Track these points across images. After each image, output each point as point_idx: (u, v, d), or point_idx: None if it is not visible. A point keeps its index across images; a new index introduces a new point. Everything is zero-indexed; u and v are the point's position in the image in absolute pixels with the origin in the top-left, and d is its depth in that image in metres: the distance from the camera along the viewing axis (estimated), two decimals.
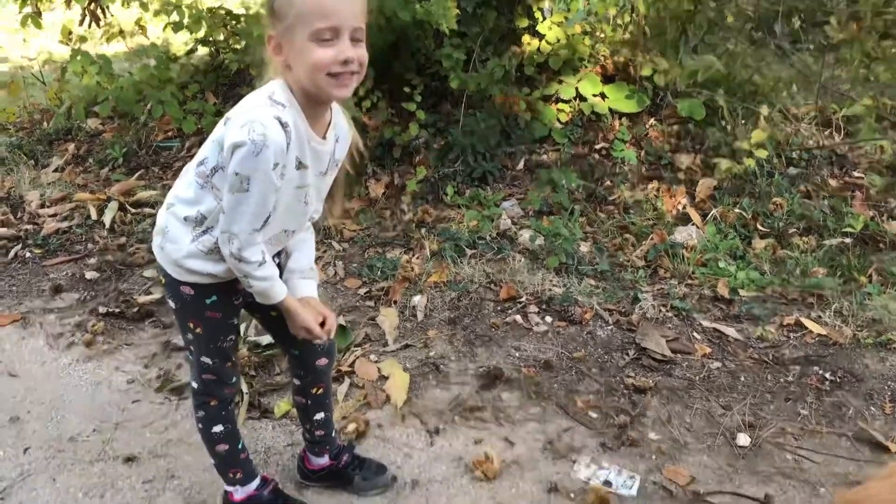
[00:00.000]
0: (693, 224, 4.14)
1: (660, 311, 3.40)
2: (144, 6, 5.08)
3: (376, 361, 3.14)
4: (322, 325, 2.10)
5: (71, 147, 5.28)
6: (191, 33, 4.98)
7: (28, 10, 5.04)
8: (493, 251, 3.79)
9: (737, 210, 4.17)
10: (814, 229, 4.03)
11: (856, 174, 4.56)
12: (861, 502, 1.45)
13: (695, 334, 3.28)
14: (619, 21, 5.17)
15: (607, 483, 2.56)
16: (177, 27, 4.85)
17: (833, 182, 4.46)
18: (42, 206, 4.51)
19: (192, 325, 2.10)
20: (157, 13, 5.05)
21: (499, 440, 2.76)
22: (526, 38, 4.91)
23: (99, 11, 5.28)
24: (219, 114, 4.50)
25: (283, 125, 1.78)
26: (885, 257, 3.82)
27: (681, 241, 3.95)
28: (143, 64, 5.45)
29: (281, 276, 2.07)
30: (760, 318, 3.35)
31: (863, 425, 2.76)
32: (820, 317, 3.35)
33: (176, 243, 1.99)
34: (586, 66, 4.96)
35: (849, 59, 5.66)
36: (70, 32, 5.56)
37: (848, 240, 3.90)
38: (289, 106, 1.83)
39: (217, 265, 1.97)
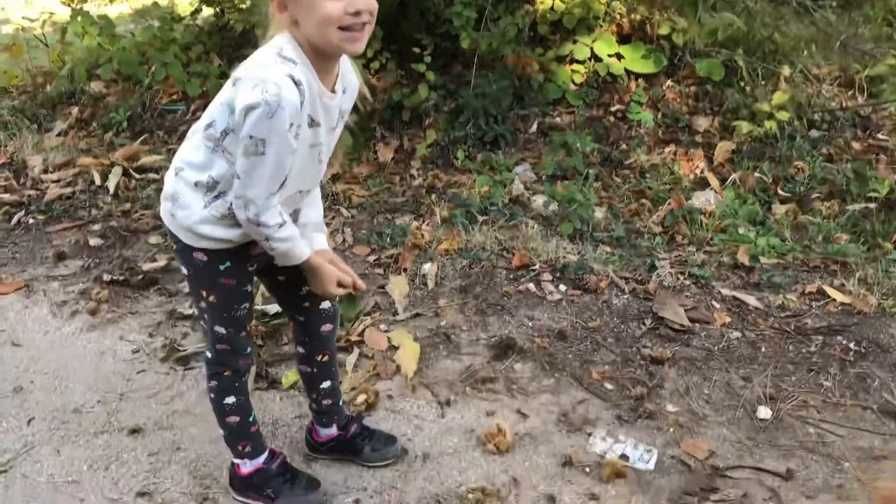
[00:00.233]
0: (711, 189, 4.02)
1: (677, 278, 3.31)
2: None
3: (386, 331, 3.07)
4: (341, 285, 2.06)
5: (74, 111, 5.18)
6: None
7: None
8: (505, 217, 3.69)
9: (756, 174, 4.04)
10: (836, 194, 3.90)
11: (880, 136, 4.41)
12: None
13: (714, 303, 3.18)
14: None
15: (624, 457, 2.48)
16: None
17: (856, 145, 4.32)
18: (45, 171, 4.43)
19: (205, 294, 2.03)
20: None
21: (511, 412, 2.68)
22: None
23: None
24: (223, 76, 4.39)
25: (297, 83, 1.70)
26: None
27: (699, 206, 3.84)
28: (147, 25, 5.31)
29: None
30: (781, 286, 3.25)
31: (888, 398, 2.67)
32: (843, 285, 3.24)
33: (187, 209, 1.92)
34: (601, 25, 4.80)
35: (872, 17, 5.46)
36: None
37: (872, 205, 3.77)
38: (300, 62, 1.75)
39: (231, 230, 1.91)
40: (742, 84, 4.61)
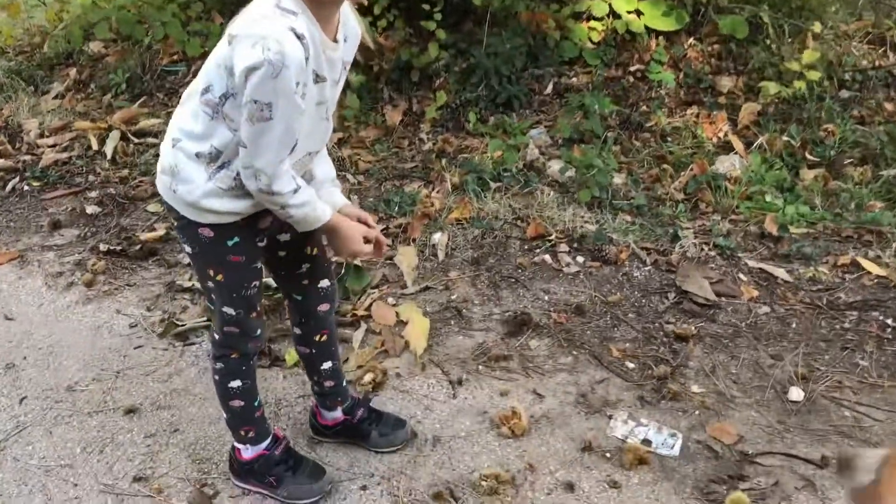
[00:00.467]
0: (735, 153, 3.82)
1: (702, 249, 3.13)
2: None
3: (394, 305, 2.92)
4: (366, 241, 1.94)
5: (72, 72, 4.99)
6: None
7: None
8: (519, 184, 3.51)
9: (784, 138, 3.84)
10: (869, 158, 3.70)
11: None
12: None
13: (740, 275, 3.01)
14: None
15: (646, 441, 2.34)
16: None
17: (889, 106, 4.09)
18: (41, 135, 4.27)
19: (212, 273, 1.89)
20: None
21: (526, 392, 2.54)
22: None
23: None
24: None
25: (299, 37, 1.55)
26: None
27: (723, 171, 3.65)
28: None
29: None
30: (812, 257, 3.07)
31: None
32: (879, 256, 3.06)
33: (190, 183, 1.77)
34: None
35: None
36: None
37: None
38: (300, 13, 1.59)
39: (240, 201, 1.77)
40: (768, 42, 4.37)
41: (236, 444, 2.21)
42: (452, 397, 2.54)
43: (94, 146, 4.09)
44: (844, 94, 4.17)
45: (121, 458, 2.37)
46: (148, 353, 2.79)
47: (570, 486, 2.22)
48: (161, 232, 3.44)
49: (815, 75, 3.94)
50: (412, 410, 2.49)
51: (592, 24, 4.49)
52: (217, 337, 2.05)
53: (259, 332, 2.03)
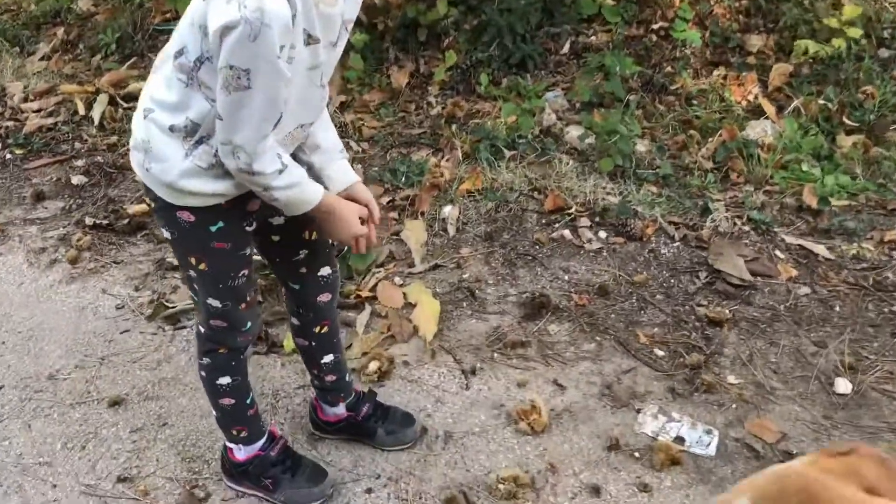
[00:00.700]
0: (767, 118, 3.55)
1: (734, 223, 2.89)
2: None
3: (401, 285, 2.69)
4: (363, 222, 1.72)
5: (59, 32, 4.72)
6: None
7: None
8: (535, 152, 3.26)
9: (820, 101, 3.56)
10: None
11: None
12: None
13: (777, 253, 2.77)
14: None
15: (679, 439, 2.13)
16: None
17: None
18: (25, 99, 4.02)
19: (193, 261, 1.67)
20: None
21: (546, 383, 2.33)
22: None
23: None
24: None
25: None
26: None
27: (754, 138, 3.39)
28: None
29: (309, 171, 1.66)
30: (855, 232, 2.83)
31: None
32: None
33: (164, 161, 1.54)
34: None
35: None
36: None
37: None
38: None
39: (223, 181, 1.54)
40: None
41: (228, 444, 2.01)
42: (465, 388, 2.33)
43: (81, 111, 3.84)
44: (884, 53, 3.87)
45: (104, 455, 2.18)
46: (135, 337, 2.58)
47: (595, 490, 2.01)
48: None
49: (855, 32, 3.65)
50: (421, 403, 2.28)
51: None
52: (202, 331, 1.83)
53: (249, 325, 1.81)
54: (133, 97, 3.92)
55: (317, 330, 1.96)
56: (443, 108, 3.66)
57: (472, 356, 2.43)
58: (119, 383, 2.41)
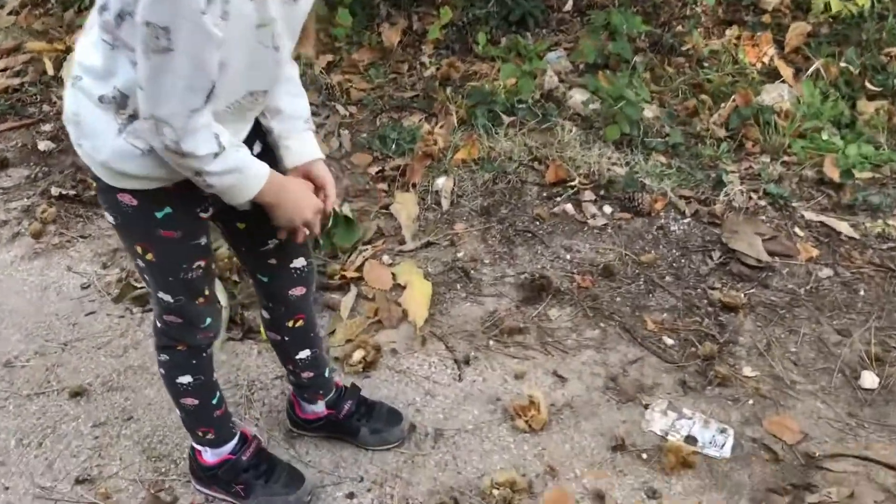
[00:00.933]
0: (783, 81, 3.32)
1: (749, 197, 2.68)
2: None
3: (390, 265, 2.49)
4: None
5: None
6: None
7: None
8: (536, 118, 3.02)
9: (841, 63, 3.32)
10: None
11: None
12: None
13: (797, 230, 2.57)
14: None
15: (691, 439, 1.95)
16: None
17: None
18: None
19: (140, 250, 1.47)
20: None
21: (546, 375, 2.14)
22: None
23: None
24: None
25: None
26: None
27: (770, 103, 3.16)
28: None
29: (267, 142, 1.47)
30: (880, 208, 2.63)
31: None
32: None
33: (96, 138, 1.32)
34: None
35: None
36: None
37: None
38: None
39: (164, 166, 1.32)
40: None
41: (195, 445, 1.82)
42: (458, 380, 2.14)
43: (50, 71, 3.59)
44: None
45: (63, 453, 1.99)
46: (101, 320, 2.38)
47: (599, 496, 1.84)
48: None
49: None
50: (410, 396, 2.09)
51: None
52: (158, 325, 1.64)
53: (209, 321, 1.61)
54: None
55: (290, 324, 1.76)
56: (437, 70, 3.42)
57: (466, 344, 2.24)
58: (82, 372, 2.22)
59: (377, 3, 3.74)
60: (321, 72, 3.34)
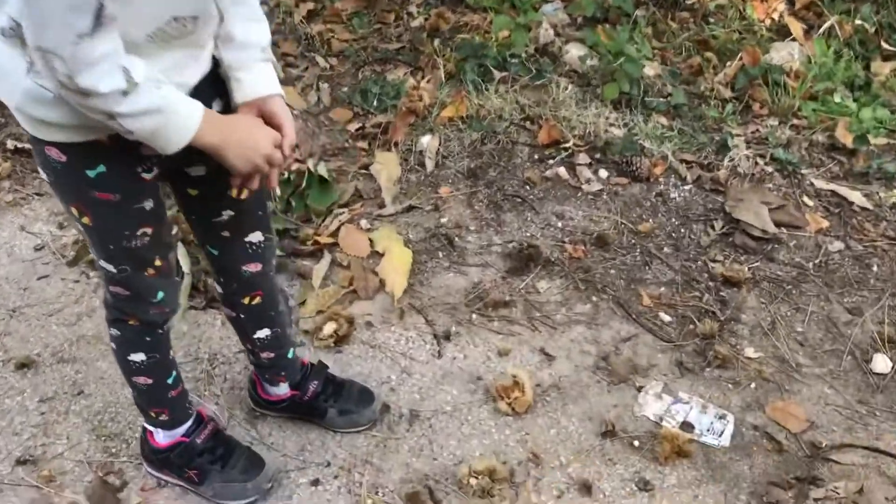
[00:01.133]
0: (793, 39, 3.12)
1: (756, 163, 2.50)
2: None
3: (368, 230, 2.31)
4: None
5: None
6: None
7: None
8: (529, 74, 2.82)
9: (855, 21, 3.12)
10: None
11: None
12: None
13: (805, 199, 2.39)
14: None
15: (687, 426, 1.80)
16: None
17: None
18: None
19: (76, 212, 1.30)
20: None
21: (532, 352, 1.98)
22: None
23: None
24: None
25: None
26: None
27: (779, 62, 2.96)
28: None
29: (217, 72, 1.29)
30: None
31: None
32: None
33: (6, 79, 1.14)
34: None
35: None
36: None
37: None
38: None
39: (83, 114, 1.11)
40: None
41: (147, 426, 1.66)
42: (437, 356, 1.98)
43: None
44: None
45: (5, 430, 1.84)
46: (54, 285, 2.21)
47: (586, 487, 1.69)
48: None
49: None
50: (384, 373, 1.93)
51: None
52: (107, 297, 1.46)
53: (162, 296, 1.43)
54: None
55: (245, 301, 1.58)
56: (425, 20, 3.20)
57: (447, 317, 2.07)
58: (30, 341, 2.05)
59: None
60: (301, 21, 3.12)
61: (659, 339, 2.00)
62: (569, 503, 1.67)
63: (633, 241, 2.27)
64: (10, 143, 2.70)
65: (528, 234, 2.28)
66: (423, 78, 2.87)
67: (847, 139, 2.57)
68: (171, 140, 1.16)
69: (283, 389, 1.75)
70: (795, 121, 2.71)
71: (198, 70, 1.24)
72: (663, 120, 2.69)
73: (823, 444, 1.76)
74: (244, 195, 1.38)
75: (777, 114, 2.75)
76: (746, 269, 2.16)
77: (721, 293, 2.11)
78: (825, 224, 2.30)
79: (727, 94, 2.85)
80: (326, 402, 1.77)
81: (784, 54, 3.04)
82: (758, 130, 2.66)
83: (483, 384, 1.90)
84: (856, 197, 2.38)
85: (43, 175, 1.29)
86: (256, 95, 1.30)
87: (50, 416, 1.87)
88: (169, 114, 1.12)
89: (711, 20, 3.26)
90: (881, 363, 1.91)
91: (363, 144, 2.60)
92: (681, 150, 2.55)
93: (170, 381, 1.59)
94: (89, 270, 2.25)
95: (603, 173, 2.48)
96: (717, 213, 2.34)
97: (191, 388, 1.88)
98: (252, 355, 1.70)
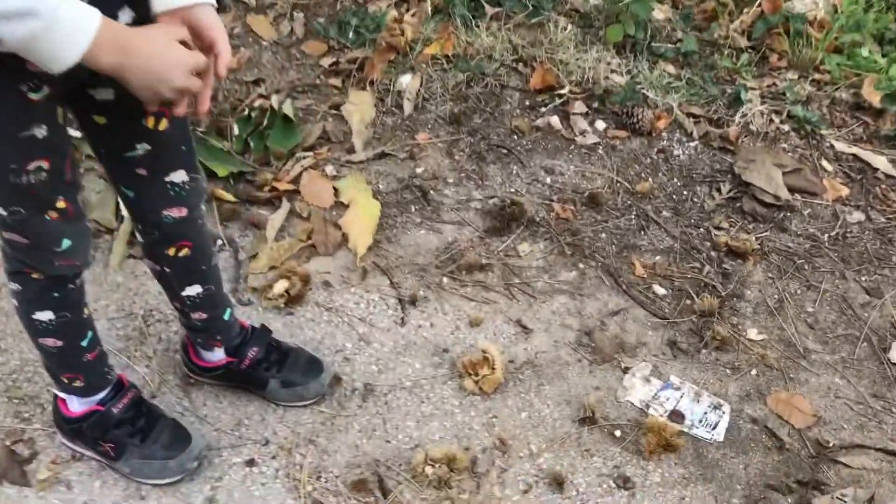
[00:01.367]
0: None
1: (770, 120, 2.25)
2: None
3: (334, 177, 2.07)
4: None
5: None
6: None
7: None
8: (525, 11, 2.55)
9: None
10: None
11: None
12: None
13: (824, 163, 2.15)
14: None
15: (677, 415, 1.59)
16: None
17: None
18: None
19: None
20: None
21: (507, 323, 1.76)
22: None
23: None
24: None
25: None
26: None
27: (801, 10, 2.70)
28: None
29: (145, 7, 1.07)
30: None
31: None
32: None
33: None
34: None
35: None
36: None
37: None
38: None
39: None
40: None
41: (58, 393, 1.45)
42: (400, 324, 1.75)
43: None
44: None
45: None
46: None
47: (557, 482, 1.49)
48: None
49: None
50: (339, 341, 1.71)
51: None
52: (3, 245, 1.23)
53: (69, 244, 1.19)
54: None
55: (170, 252, 1.35)
56: None
57: (415, 280, 1.84)
58: None
59: None
60: None
61: (651, 314, 1.78)
62: (537, 499, 1.47)
63: (628, 202, 2.03)
64: None
65: (513, 190, 2.04)
66: (407, 10, 2.59)
67: (874, 98, 2.33)
68: (55, 55, 0.91)
69: (218, 355, 1.53)
70: (817, 75, 2.46)
71: None
72: (671, 68, 2.43)
73: (831, 444, 1.55)
74: (162, 126, 1.16)
75: (797, 67, 2.50)
76: (754, 238, 1.93)
77: (724, 265, 1.89)
78: (845, 192, 2.07)
79: (743, 42, 2.59)
80: (268, 371, 1.55)
81: (808, 2, 2.78)
82: (774, 84, 2.40)
83: (449, 357, 1.69)
84: (881, 162, 2.14)
85: None
86: (179, 4, 1.05)
87: None
88: (49, 21, 0.87)
89: None
90: None
91: (336, 82, 2.34)
92: (688, 103, 2.30)
93: (84, 343, 1.37)
94: None
95: (600, 125, 2.22)
96: (725, 175, 2.09)
97: (120, 347, 1.68)
98: (182, 316, 1.47)
